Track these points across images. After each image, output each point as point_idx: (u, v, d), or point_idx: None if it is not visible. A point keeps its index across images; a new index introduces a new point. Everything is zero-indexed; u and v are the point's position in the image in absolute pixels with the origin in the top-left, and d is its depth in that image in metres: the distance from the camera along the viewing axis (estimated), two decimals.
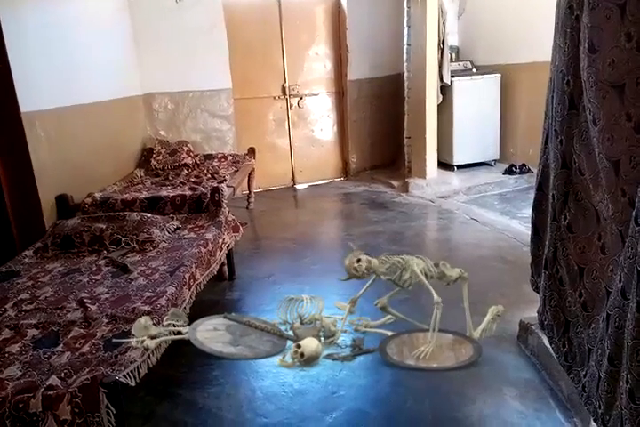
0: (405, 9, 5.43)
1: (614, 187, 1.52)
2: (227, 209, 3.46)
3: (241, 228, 3.49)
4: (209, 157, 5.10)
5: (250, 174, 5.16)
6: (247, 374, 2.42)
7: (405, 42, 5.55)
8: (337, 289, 3.21)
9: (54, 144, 3.33)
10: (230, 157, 5.09)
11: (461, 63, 5.94)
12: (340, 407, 2.14)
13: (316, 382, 2.31)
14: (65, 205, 3.31)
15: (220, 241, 3.13)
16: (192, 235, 3.04)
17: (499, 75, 5.73)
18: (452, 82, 5.58)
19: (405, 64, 5.63)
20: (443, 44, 5.50)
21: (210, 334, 2.30)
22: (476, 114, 5.71)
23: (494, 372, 2.33)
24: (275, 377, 2.36)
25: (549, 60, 2.14)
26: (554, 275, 2.06)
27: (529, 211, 2.47)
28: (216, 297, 3.19)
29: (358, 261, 2.48)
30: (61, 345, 1.85)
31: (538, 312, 2.31)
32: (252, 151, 5.28)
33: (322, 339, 2.50)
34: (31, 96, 3.07)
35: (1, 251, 2.83)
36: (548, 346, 2.23)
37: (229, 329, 2.37)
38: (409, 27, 5.44)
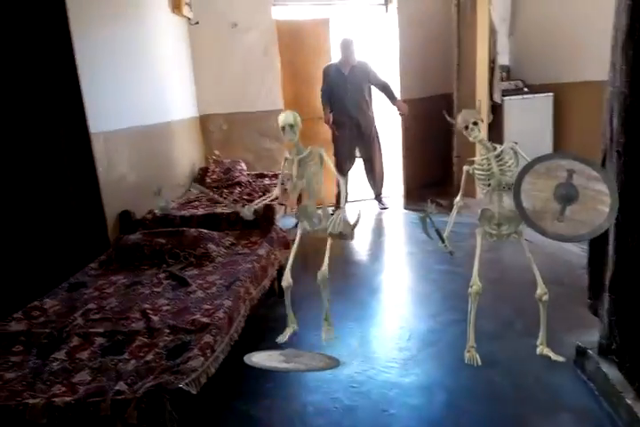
0: (455, 29, 5.47)
1: None
2: (278, 226, 3.55)
3: (291, 244, 3.56)
4: (260, 175, 5.24)
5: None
6: (298, 388, 2.46)
7: (456, 62, 5.58)
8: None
9: (119, 163, 3.51)
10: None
11: (512, 82, 5.89)
12: (391, 426, 2.15)
13: (367, 400, 2.32)
14: (127, 220, 3.47)
15: (272, 257, 3.22)
16: (246, 250, 3.14)
17: (551, 94, 5.64)
18: (502, 101, 5.55)
19: (455, 83, 5.64)
20: (493, 63, 5.50)
21: (264, 358, 2.40)
22: (528, 133, 5.61)
23: (550, 397, 2.28)
24: (325, 392, 2.39)
25: (603, 79, 2.12)
26: (621, 298, 2.01)
27: None
28: (266, 312, 3.25)
29: (475, 124, 2.38)
30: (127, 353, 1.95)
31: (601, 336, 2.24)
32: None
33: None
34: (100, 118, 3.26)
35: (69, 263, 3.00)
36: (607, 371, 2.17)
37: (283, 353, 2.47)
38: (459, 47, 5.47)
